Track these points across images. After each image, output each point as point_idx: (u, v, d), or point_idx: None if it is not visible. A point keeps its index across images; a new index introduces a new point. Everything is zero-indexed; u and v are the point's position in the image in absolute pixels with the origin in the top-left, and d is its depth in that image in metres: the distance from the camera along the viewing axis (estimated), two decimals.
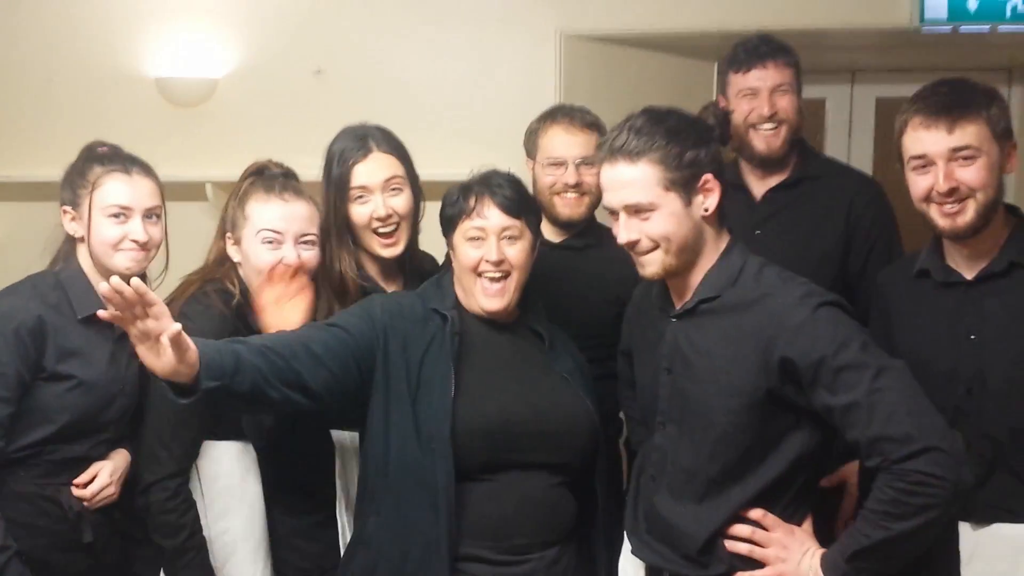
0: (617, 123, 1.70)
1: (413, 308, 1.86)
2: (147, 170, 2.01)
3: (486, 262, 1.82)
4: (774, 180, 2.34)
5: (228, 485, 1.99)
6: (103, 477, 1.98)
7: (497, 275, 1.83)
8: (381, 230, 2.06)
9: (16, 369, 1.86)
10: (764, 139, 2.27)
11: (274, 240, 1.98)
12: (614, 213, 1.70)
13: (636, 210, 1.65)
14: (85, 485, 1.96)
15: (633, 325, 1.91)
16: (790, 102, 2.28)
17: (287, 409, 1.75)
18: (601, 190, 2.22)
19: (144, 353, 1.51)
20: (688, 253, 1.67)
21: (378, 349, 1.80)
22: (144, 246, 1.96)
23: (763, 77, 2.26)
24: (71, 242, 2.01)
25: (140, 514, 1.97)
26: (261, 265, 1.98)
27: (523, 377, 1.86)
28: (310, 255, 2.01)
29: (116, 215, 1.94)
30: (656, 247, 1.66)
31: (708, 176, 1.66)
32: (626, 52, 3.36)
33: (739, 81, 2.29)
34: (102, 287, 1.47)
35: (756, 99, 2.27)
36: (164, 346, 1.49)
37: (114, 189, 1.95)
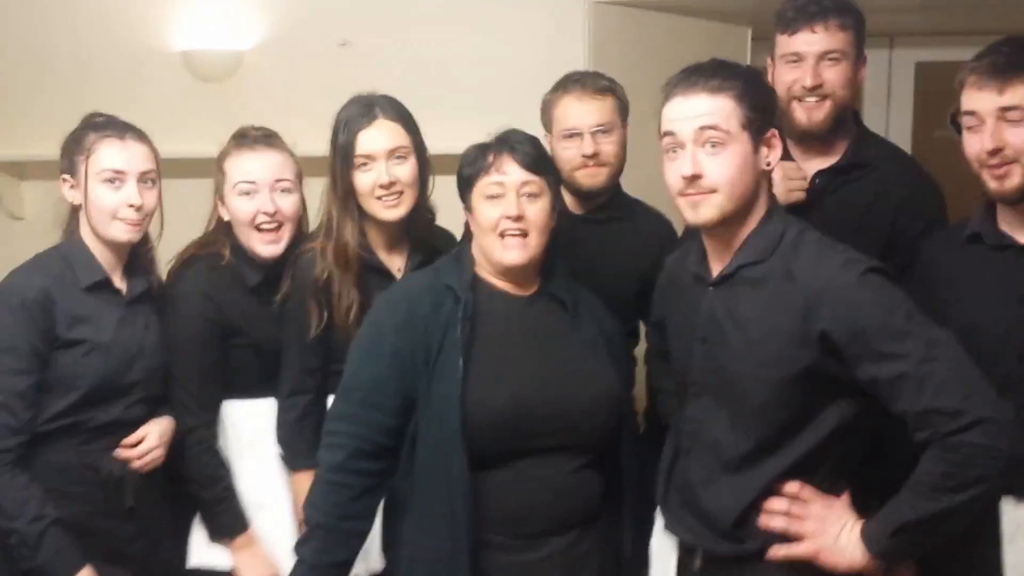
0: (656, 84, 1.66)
1: (424, 295, 1.80)
2: (141, 136, 2.03)
3: (506, 218, 1.77)
4: (819, 162, 2.08)
5: (250, 443, 2.09)
6: (152, 439, 2.02)
7: (517, 231, 1.78)
8: (384, 198, 2.05)
9: (29, 341, 1.89)
10: (806, 111, 2.03)
11: (249, 191, 2.07)
12: (674, 147, 1.62)
13: (710, 139, 1.59)
14: (133, 446, 2.00)
15: (666, 295, 1.86)
16: (840, 73, 2.00)
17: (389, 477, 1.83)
18: (618, 158, 2.19)
19: None
20: (744, 203, 1.62)
21: (410, 380, 1.77)
22: (139, 209, 1.97)
23: (810, 41, 2.00)
24: (75, 214, 2.03)
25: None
26: (242, 216, 2.09)
27: (542, 355, 1.81)
28: (287, 202, 2.10)
29: (111, 180, 1.97)
30: (714, 191, 1.60)
31: (774, 131, 1.63)
32: (657, 18, 3.29)
33: (785, 44, 2.04)
34: None
35: (800, 67, 2.02)
36: None
37: (108, 154, 1.97)
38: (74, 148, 2.00)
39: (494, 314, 1.81)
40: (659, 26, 3.30)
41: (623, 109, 2.22)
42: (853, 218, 2.04)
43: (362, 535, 1.82)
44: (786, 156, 2.07)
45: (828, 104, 2.03)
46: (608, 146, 2.17)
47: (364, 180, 2.04)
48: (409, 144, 2.06)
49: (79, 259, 1.99)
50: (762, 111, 1.62)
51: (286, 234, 2.10)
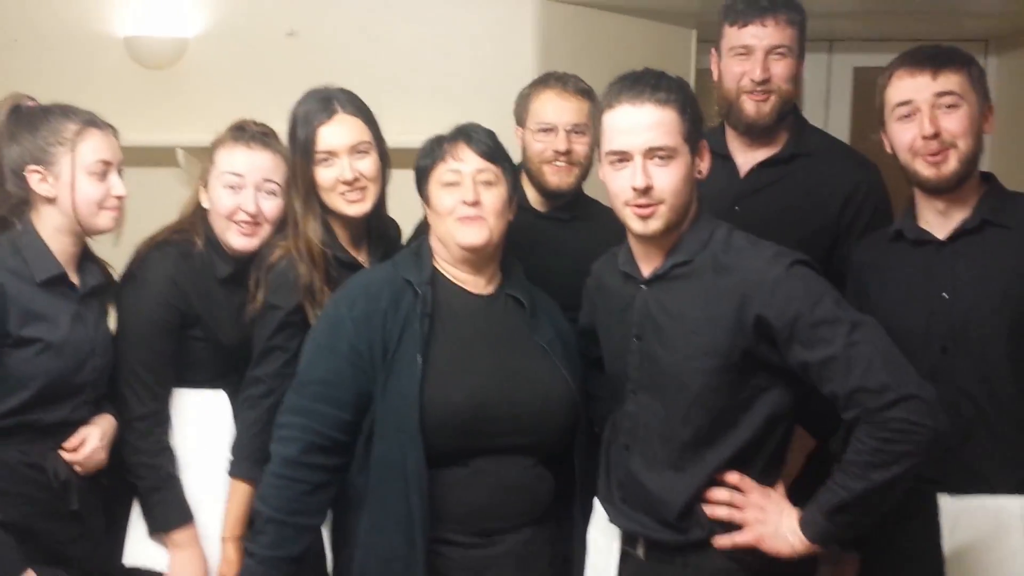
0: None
1: (382, 289, 1.81)
2: (107, 123, 1.99)
3: (463, 204, 1.78)
4: (762, 154, 2.15)
5: (197, 433, 2.02)
6: (92, 440, 1.96)
7: (472, 214, 1.78)
8: (347, 193, 2.03)
9: None
10: (754, 104, 2.08)
11: (235, 185, 2.04)
12: (623, 159, 1.65)
13: (658, 154, 1.63)
14: (74, 449, 1.95)
15: (594, 299, 1.89)
16: (787, 67, 2.06)
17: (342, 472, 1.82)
18: (588, 160, 2.21)
19: None
20: (682, 211, 1.67)
21: (367, 374, 1.76)
22: (121, 199, 1.96)
23: (759, 35, 2.04)
24: (23, 204, 1.94)
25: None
26: (221, 208, 2.05)
27: (499, 353, 1.82)
28: (270, 204, 2.06)
29: (100, 172, 1.93)
30: (662, 202, 1.64)
31: (704, 141, 1.69)
32: (605, 17, 3.32)
33: (733, 36, 2.07)
34: None
35: (749, 60, 2.05)
36: None
37: (95, 146, 1.93)
38: (49, 138, 1.91)
39: (453, 311, 1.82)
40: (607, 26, 3.33)
41: (597, 116, 2.26)
42: (795, 205, 2.10)
43: (314, 529, 1.81)
44: (724, 149, 2.15)
45: (774, 98, 2.08)
46: (580, 147, 2.20)
47: (326, 176, 2.02)
48: (370, 138, 2.05)
49: (34, 252, 1.91)
50: (699, 122, 1.68)
51: (263, 232, 2.06)
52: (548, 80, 2.26)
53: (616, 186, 1.67)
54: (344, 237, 2.08)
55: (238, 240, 2.06)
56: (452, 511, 1.76)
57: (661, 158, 1.63)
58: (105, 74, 3.18)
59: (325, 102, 2.04)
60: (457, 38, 3.19)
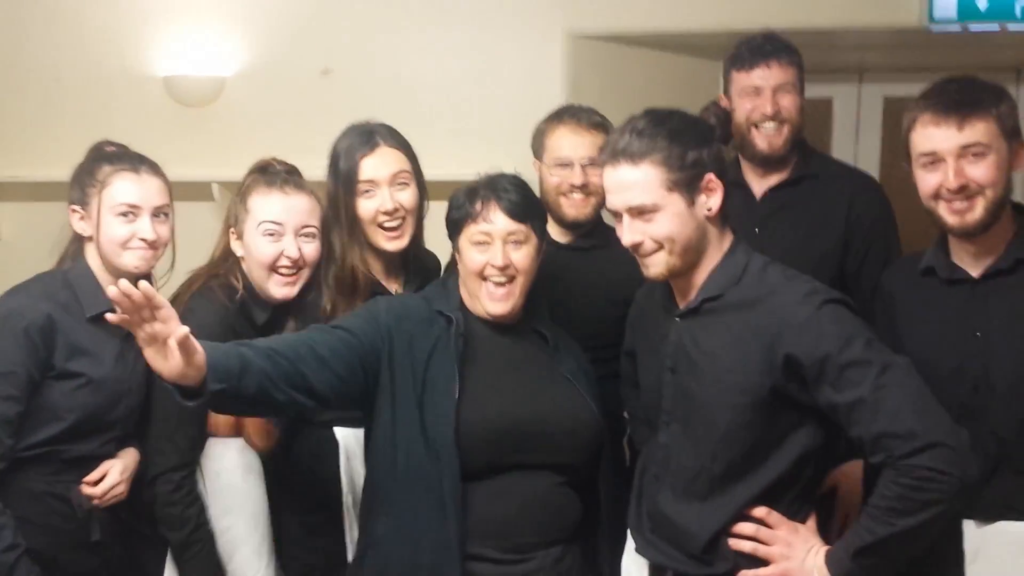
0: (620, 125, 1.70)
1: (418, 310, 1.87)
2: (155, 169, 2.02)
3: (491, 267, 1.82)
4: (775, 179, 2.34)
5: (230, 482, 2.02)
6: (113, 475, 1.98)
7: (502, 279, 1.83)
8: (387, 224, 2.06)
9: (27, 368, 1.87)
10: (766, 138, 2.27)
11: (275, 232, 2.03)
12: (617, 215, 1.70)
13: (639, 212, 1.65)
14: (95, 483, 1.97)
15: (636, 326, 1.92)
16: (793, 101, 2.27)
17: (292, 411, 1.76)
18: (604, 190, 2.30)
19: (151, 356, 1.51)
20: (692, 253, 1.67)
21: (383, 351, 1.80)
22: (152, 244, 1.97)
23: (766, 76, 2.26)
24: (79, 241, 2.02)
25: (147, 508, 1.99)
26: (262, 258, 2.03)
27: (527, 379, 1.86)
28: (311, 248, 2.06)
29: (124, 214, 1.95)
30: (660, 248, 1.66)
31: (710, 176, 1.66)
32: (633, 52, 3.35)
33: (742, 79, 2.29)
34: (110, 290, 1.46)
35: (759, 98, 2.26)
36: (171, 349, 1.48)
37: (123, 188, 1.96)
38: (86, 179, 1.98)
39: (484, 338, 1.87)
40: (634, 60, 3.36)
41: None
42: (808, 223, 2.30)
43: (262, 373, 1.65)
44: (740, 178, 2.31)
45: (786, 128, 2.29)
46: (596, 178, 2.22)
47: (367, 207, 2.05)
48: (410, 170, 2.09)
49: (84, 287, 1.96)
50: (691, 166, 1.64)
51: (302, 278, 2.06)
52: (563, 115, 2.32)
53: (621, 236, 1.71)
54: (378, 269, 2.11)
55: (280, 290, 2.05)
56: (484, 526, 1.77)
57: (642, 213, 1.65)
58: (145, 112, 3.26)
59: (367, 135, 2.08)
60: (487, 75, 3.24)
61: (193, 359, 1.50)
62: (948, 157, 1.71)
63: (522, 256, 1.84)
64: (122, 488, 2.00)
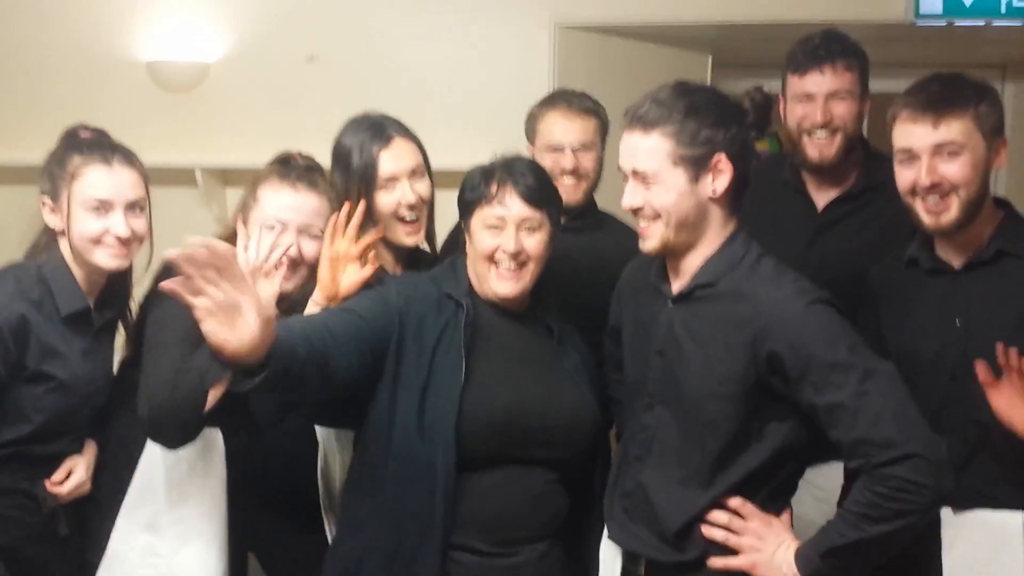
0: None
1: (428, 292, 1.84)
2: (129, 158, 1.92)
3: (503, 252, 1.79)
4: (835, 191, 2.21)
5: (190, 471, 1.95)
6: (79, 473, 1.96)
7: (513, 265, 1.81)
8: (408, 217, 2.04)
9: None
10: (817, 147, 2.14)
11: (274, 227, 1.96)
12: (625, 177, 1.69)
13: (641, 177, 1.64)
14: (60, 482, 1.94)
15: (624, 302, 1.89)
16: (848, 109, 2.13)
17: (310, 397, 1.64)
18: (595, 174, 2.30)
19: (213, 329, 1.28)
20: (688, 231, 1.65)
21: (393, 336, 1.76)
22: (126, 242, 1.88)
23: (819, 82, 2.12)
24: (50, 232, 1.93)
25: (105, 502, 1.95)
26: (261, 251, 1.97)
27: (532, 370, 1.84)
28: (311, 248, 1.98)
29: (96, 208, 1.85)
30: (658, 217, 1.65)
31: (721, 156, 1.62)
32: (621, 43, 3.35)
33: (795, 84, 2.16)
34: (168, 253, 1.27)
35: (811, 104, 2.13)
36: (245, 315, 1.28)
37: (93, 181, 1.85)
38: (55, 169, 1.88)
39: (491, 324, 1.84)
40: (622, 51, 3.36)
41: (603, 130, 2.32)
42: (869, 238, 2.16)
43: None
44: (801, 186, 2.22)
45: (839, 137, 2.14)
46: (587, 163, 2.26)
47: (387, 200, 2.02)
48: (424, 161, 2.08)
49: (59, 284, 1.87)
50: (702, 144, 1.62)
51: (300, 274, 2.00)
52: (555, 100, 2.32)
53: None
54: (388, 260, 2.10)
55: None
56: (474, 518, 1.76)
57: (644, 180, 1.64)
58: (128, 97, 3.24)
59: (378, 128, 2.05)
60: (475, 63, 3.23)
61: (269, 327, 1.32)
62: (923, 154, 1.72)
63: (535, 243, 1.81)
64: (87, 487, 1.97)
